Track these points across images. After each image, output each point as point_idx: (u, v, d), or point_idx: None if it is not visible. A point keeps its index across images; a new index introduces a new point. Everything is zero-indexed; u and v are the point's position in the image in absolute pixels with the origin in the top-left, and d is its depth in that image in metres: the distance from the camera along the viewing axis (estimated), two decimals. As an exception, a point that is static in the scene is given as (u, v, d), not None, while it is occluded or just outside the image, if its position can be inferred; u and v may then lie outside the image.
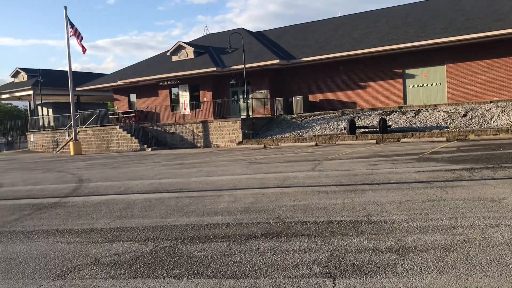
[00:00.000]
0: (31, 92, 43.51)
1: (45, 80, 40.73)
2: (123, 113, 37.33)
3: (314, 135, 25.10)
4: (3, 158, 33.16)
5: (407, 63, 28.40)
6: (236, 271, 4.36)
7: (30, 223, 7.44)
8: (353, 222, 5.99)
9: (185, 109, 34.59)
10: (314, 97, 31.27)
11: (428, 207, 6.56)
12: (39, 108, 43.66)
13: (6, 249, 5.84)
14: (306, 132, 25.98)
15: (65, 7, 30.87)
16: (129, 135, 31.59)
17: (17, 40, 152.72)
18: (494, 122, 21.55)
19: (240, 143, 27.02)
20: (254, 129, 28.24)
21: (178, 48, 35.42)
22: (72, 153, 31.56)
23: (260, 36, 37.00)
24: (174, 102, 35.73)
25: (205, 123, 29.52)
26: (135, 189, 10.70)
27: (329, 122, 26.71)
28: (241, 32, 33.59)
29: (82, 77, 44.01)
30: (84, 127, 34.34)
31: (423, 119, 23.95)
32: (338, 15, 37.87)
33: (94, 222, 7.17)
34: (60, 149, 35.08)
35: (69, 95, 33.34)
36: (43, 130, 39.04)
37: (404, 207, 6.71)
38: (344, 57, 29.39)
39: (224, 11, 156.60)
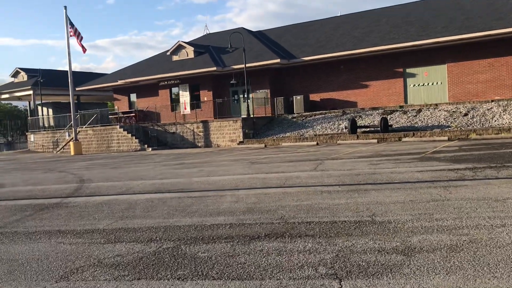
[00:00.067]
0: (31, 92, 43.48)
1: (45, 80, 40.69)
2: (123, 113, 37.29)
3: (315, 135, 25.06)
4: (3, 158, 33.12)
5: (408, 62, 28.36)
6: (241, 272, 4.32)
7: (31, 223, 7.39)
8: (357, 222, 5.95)
9: (185, 108, 34.55)
10: (315, 97, 31.23)
11: (432, 207, 6.52)
12: (39, 108, 43.63)
13: (8, 250, 5.79)
14: (307, 132, 25.94)
15: (65, 7, 30.84)
16: (130, 135, 31.55)
17: (16, 40, 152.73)
18: (495, 121, 21.51)
19: (240, 142, 26.98)
20: (255, 129, 28.20)
21: (178, 48, 35.38)
22: (72, 153, 31.53)
23: (260, 35, 36.96)
24: (175, 102, 35.69)
25: (205, 123, 29.49)
26: (136, 189, 10.66)
27: (330, 122, 26.67)
28: (241, 32, 33.56)
29: (82, 77, 43.98)
30: (84, 127, 34.30)
31: (424, 118, 23.91)
32: (339, 14, 37.84)
33: (96, 222, 7.13)
34: (61, 149, 35.04)
35: (69, 95, 33.32)
36: (43, 130, 39.01)
37: (408, 207, 6.67)
38: (345, 56, 29.36)
39: (224, 10, 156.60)
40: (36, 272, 4.78)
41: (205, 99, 33.52)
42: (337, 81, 30.74)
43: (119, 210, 8.03)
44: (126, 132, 31.81)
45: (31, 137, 39.05)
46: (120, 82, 36.84)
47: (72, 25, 30.90)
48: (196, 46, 35.56)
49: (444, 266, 4.06)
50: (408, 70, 28.53)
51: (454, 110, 23.92)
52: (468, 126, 21.67)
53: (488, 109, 22.81)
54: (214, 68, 31.71)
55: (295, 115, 29.10)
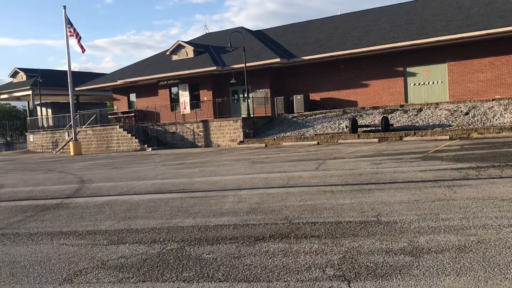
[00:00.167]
0: (30, 92, 43.35)
1: (44, 80, 40.57)
2: (123, 112, 37.20)
3: (315, 134, 25.01)
4: (3, 158, 33.02)
5: (408, 61, 28.30)
6: (247, 274, 4.26)
7: (33, 225, 7.33)
8: (363, 222, 5.89)
9: (185, 108, 34.48)
10: (315, 96, 31.16)
11: (438, 207, 6.47)
12: (38, 108, 43.53)
13: (10, 252, 5.73)
14: (308, 131, 25.88)
15: (64, 7, 30.74)
16: (129, 135, 31.47)
17: (15, 40, 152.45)
18: (496, 120, 21.47)
19: (241, 142, 26.91)
20: (255, 128, 28.14)
21: (178, 47, 35.29)
22: (72, 153, 31.44)
23: (260, 34, 36.89)
24: (174, 102, 35.61)
25: (205, 123, 29.42)
26: (138, 190, 10.60)
27: (330, 121, 26.61)
28: (241, 31, 33.48)
29: (81, 77, 43.88)
30: (84, 127, 34.22)
31: (425, 118, 23.86)
32: (339, 13, 37.78)
33: (98, 223, 7.06)
34: (60, 149, 34.95)
35: (68, 95, 33.22)
36: (43, 131, 38.91)
37: (413, 207, 6.61)
38: (345, 55, 29.29)
39: (223, 10, 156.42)
40: (39, 274, 4.72)
41: (205, 98, 33.44)
42: (337, 80, 30.67)
43: (121, 211, 7.97)
44: (125, 132, 31.73)
45: (30, 138, 38.96)
46: (119, 82, 36.75)
47: (71, 25, 30.81)
48: (196, 46, 35.47)
49: (454, 267, 4.00)
50: (409, 69, 28.47)
51: (455, 109, 23.87)
52: (469, 125, 21.63)
53: (489, 108, 22.77)
54: (214, 68, 31.63)
55: (295, 115, 29.04)
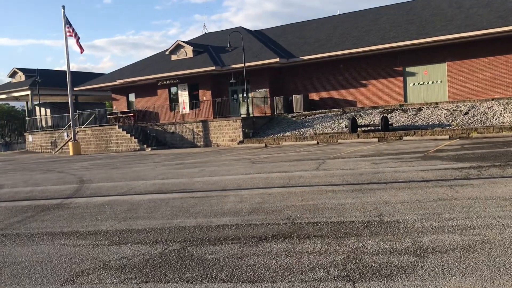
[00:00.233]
0: (28, 92, 43.26)
1: (42, 80, 40.47)
2: (122, 112, 37.14)
3: (315, 134, 24.99)
4: (2, 158, 32.93)
5: (407, 61, 28.29)
6: (251, 274, 4.23)
7: (33, 225, 7.29)
8: (366, 222, 5.86)
9: (184, 108, 34.43)
10: (314, 96, 31.14)
11: (440, 207, 6.44)
12: (37, 108, 43.44)
13: (11, 252, 5.69)
14: (307, 131, 25.86)
15: (63, 6, 30.69)
16: (129, 135, 31.42)
17: (13, 40, 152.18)
18: (496, 119, 21.47)
19: (240, 142, 26.88)
20: (255, 128, 28.11)
21: (177, 47, 35.24)
22: (71, 153, 31.38)
23: (259, 34, 36.85)
24: (173, 102, 35.56)
25: (205, 122, 29.38)
26: (138, 190, 10.56)
27: (330, 121, 26.60)
28: (240, 31, 33.45)
29: (80, 77, 43.79)
30: (83, 127, 34.15)
31: (424, 117, 23.85)
32: (338, 13, 37.77)
33: (99, 224, 7.03)
34: (59, 149, 34.88)
35: (66, 95, 33.14)
36: (41, 131, 38.83)
37: (415, 206, 6.59)
38: (344, 55, 29.27)
39: (221, 10, 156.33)
40: (41, 275, 4.68)
41: (204, 98, 33.40)
42: (337, 80, 30.65)
43: (121, 211, 7.93)
44: (125, 132, 31.68)
45: (29, 138, 38.88)
46: (118, 82, 36.68)
47: (69, 24, 30.74)
48: (195, 46, 35.43)
49: (459, 267, 3.98)
50: (408, 69, 28.46)
51: (454, 108, 23.87)
52: (469, 124, 21.63)
53: (488, 108, 22.77)
54: (213, 68, 31.59)
55: (294, 115, 29.02)
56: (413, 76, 28.35)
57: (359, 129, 24.08)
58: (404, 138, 21.33)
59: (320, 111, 28.81)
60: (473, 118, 22.17)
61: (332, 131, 25.00)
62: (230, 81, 31.09)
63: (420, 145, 17.68)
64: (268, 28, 39.00)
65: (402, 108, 26.03)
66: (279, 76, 32.40)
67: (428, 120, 23.41)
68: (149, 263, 4.80)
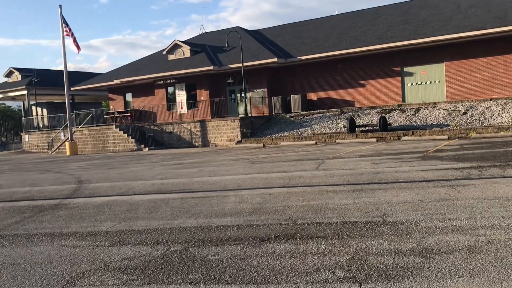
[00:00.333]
0: (25, 92, 43.09)
1: (39, 80, 40.31)
2: (119, 112, 36.99)
3: (313, 134, 24.95)
4: (-2, 158, 32.74)
5: (405, 61, 28.31)
6: (255, 276, 4.17)
7: (32, 226, 7.20)
8: (369, 223, 5.81)
9: (182, 108, 34.34)
10: (312, 96, 31.11)
11: (443, 207, 6.40)
12: (33, 108, 43.24)
13: (9, 254, 5.61)
14: (306, 131, 25.82)
15: (60, 6, 30.54)
16: (126, 134, 31.30)
17: (9, 39, 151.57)
18: (494, 119, 21.49)
19: (238, 142, 26.82)
20: (253, 128, 28.05)
21: (175, 47, 35.14)
22: (68, 153, 31.23)
23: (257, 34, 36.80)
24: (171, 101, 35.45)
25: (203, 122, 29.29)
26: (137, 190, 10.48)
27: (328, 121, 26.57)
28: (238, 31, 33.35)
29: (76, 77, 43.62)
30: (80, 127, 33.99)
31: (423, 117, 23.85)
32: (336, 13, 37.76)
33: (99, 224, 6.95)
34: (56, 149, 34.72)
35: (63, 94, 33.00)
36: (38, 131, 38.64)
37: (418, 206, 6.55)
38: (342, 55, 29.26)
39: (218, 10, 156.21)
40: (41, 277, 4.61)
41: (202, 98, 33.31)
42: (335, 80, 30.63)
43: (121, 212, 7.86)
44: (122, 132, 31.55)
45: (26, 138, 38.68)
46: (115, 81, 36.54)
47: (66, 24, 30.60)
48: (193, 45, 35.34)
49: (467, 269, 3.93)
50: (406, 69, 28.47)
51: (453, 108, 23.88)
52: (467, 124, 21.64)
53: (486, 108, 22.79)
54: (211, 67, 31.51)
55: (292, 114, 28.97)
56: (411, 76, 28.36)
57: (357, 129, 24.05)
58: (403, 138, 21.32)
59: (318, 111, 28.78)
60: (472, 118, 22.18)
61: (330, 131, 24.97)
62: (228, 81, 31.02)
63: (419, 145, 17.67)
64: (266, 28, 38.96)
65: (400, 108, 26.02)
66: (277, 76, 32.36)
67: (426, 120, 23.41)
68: (151, 264, 4.73)
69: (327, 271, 4.15)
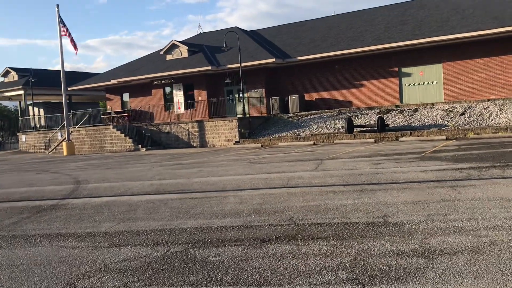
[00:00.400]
0: (21, 92, 42.91)
1: (35, 80, 40.14)
2: (116, 112, 36.89)
3: (311, 134, 24.93)
4: (-5, 159, 32.58)
5: (403, 61, 28.32)
6: (257, 277, 4.13)
7: (30, 226, 7.14)
8: (370, 223, 5.78)
9: (179, 108, 34.27)
10: (310, 96, 31.10)
11: (444, 208, 6.38)
12: (30, 108, 43.06)
13: (7, 255, 5.55)
14: (303, 131, 25.81)
15: (57, 5, 30.39)
16: (123, 135, 31.20)
17: (5, 39, 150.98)
18: (492, 120, 21.52)
19: (237, 142, 26.77)
20: (251, 129, 28.00)
21: (172, 47, 35.07)
22: (65, 153, 31.11)
23: (254, 35, 36.77)
24: (168, 102, 35.37)
25: (200, 123, 29.23)
26: (135, 191, 10.42)
27: (326, 121, 26.56)
28: (235, 31, 33.32)
29: (73, 77, 43.43)
30: (77, 127, 33.87)
31: (421, 118, 23.87)
32: (333, 14, 37.76)
33: (98, 225, 6.90)
34: (53, 149, 34.58)
35: (60, 94, 32.86)
36: (35, 131, 38.48)
37: (419, 207, 6.52)
38: (339, 56, 29.24)
39: (215, 10, 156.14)
40: (40, 278, 4.56)
41: (200, 98, 33.25)
42: (332, 80, 30.62)
43: (119, 212, 7.81)
44: (119, 132, 31.45)
45: (22, 138, 38.52)
46: (112, 81, 36.43)
47: (63, 24, 30.48)
48: (190, 45, 35.28)
49: (470, 270, 3.91)
50: (404, 70, 28.49)
51: (450, 109, 23.91)
52: (465, 125, 21.66)
53: (484, 108, 22.83)
54: (209, 68, 31.46)
55: (290, 115, 28.95)
56: (408, 76, 28.38)
57: (355, 129, 24.06)
58: (401, 138, 21.32)
59: (316, 111, 28.77)
60: (469, 119, 22.21)
61: (328, 132, 24.96)
62: (226, 81, 30.96)
63: (417, 145, 17.67)
64: (264, 29, 38.93)
65: (398, 109, 26.04)
66: (274, 76, 32.33)
67: (424, 121, 23.44)
68: (151, 266, 4.69)
69: (330, 272, 4.11)
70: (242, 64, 28.84)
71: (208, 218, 6.82)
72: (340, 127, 25.06)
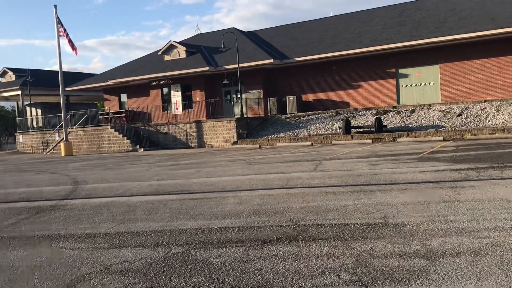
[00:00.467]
0: (19, 92, 42.77)
1: (33, 80, 40.01)
2: (114, 113, 36.80)
3: (309, 135, 24.94)
4: (-9, 159, 32.44)
5: (400, 62, 28.37)
6: (259, 279, 4.12)
7: (29, 227, 7.11)
8: (370, 224, 5.78)
9: (177, 109, 34.22)
10: (307, 97, 31.11)
11: (444, 209, 6.39)
12: (28, 108, 42.91)
13: (7, 256, 5.52)
14: (301, 132, 25.81)
15: (55, 6, 30.33)
16: (121, 135, 31.13)
17: (2, 40, 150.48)
18: (489, 121, 21.58)
19: (234, 143, 26.75)
20: (249, 129, 27.99)
21: (170, 48, 35.03)
22: (63, 154, 31.01)
23: (252, 35, 36.76)
24: (166, 102, 35.32)
25: (198, 123, 29.19)
26: (134, 191, 10.39)
27: (323, 122, 26.57)
28: (233, 32, 33.32)
29: (70, 77, 43.34)
30: (74, 127, 33.77)
31: (418, 119, 23.91)
32: (331, 15, 37.81)
33: (97, 226, 6.87)
34: (50, 150, 34.47)
35: (57, 95, 32.76)
36: (32, 131, 38.35)
37: (419, 208, 6.52)
38: (337, 57, 29.28)
39: (213, 11, 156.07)
40: (40, 280, 4.53)
41: (197, 99, 33.22)
42: (330, 81, 30.65)
43: (119, 213, 7.78)
44: (117, 132, 31.38)
45: (20, 138, 38.38)
46: (110, 82, 36.35)
47: (61, 24, 30.40)
48: (188, 46, 35.24)
49: (473, 272, 3.90)
50: (401, 71, 28.54)
51: (447, 110, 23.97)
52: (462, 126, 21.71)
53: (481, 109, 22.89)
54: (207, 68, 31.43)
55: (288, 116, 28.96)
56: (405, 77, 28.43)
57: (352, 130, 24.08)
58: (398, 139, 21.35)
59: (314, 112, 28.79)
60: (466, 120, 22.26)
61: (326, 132, 24.97)
62: (224, 82, 30.94)
63: (415, 146, 17.69)
64: (261, 29, 38.93)
65: (395, 110, 26.07)
66: (272, 77, 32.33)
67: (421, 122, 23.47)
68: (152, 267, 4.67)
69: (332, 274, 4.10)
70: (240, 65, 28.83)
71: (208, 219, 6.80)
72: (337, 127, 25.08)
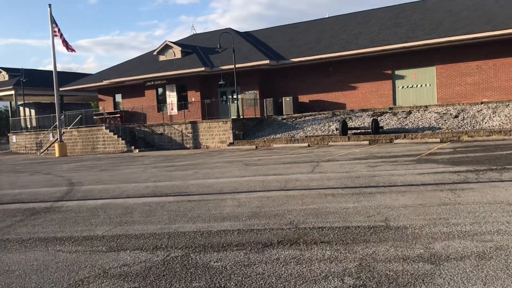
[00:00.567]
0: (12, 92, 42.45)
1: (26, 80, 39.72)
2: (108, 113, 36.60)
3: (306, 136, 24.90)
4: (-15, 159, 32.14)
5: (396, 64, 28.40)
6: (261, 283, 4.04)
7: (24, 230, 6.99)
8: (372, 227, 5.72)
9: (172, 109, 34.09)
10: (304, 98, 31.08)
11: (445, 211, 6.34)
12: (21, 108, 42.60)
13: (2, 259, 5.41)
14: (298, 133, 25.76)
15: (50, 5, 30.10)
16: (116, 136, 30.94)
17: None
18: (486, 123, 21.62)
19: (231, 144, 26.66)
20: (245, 130, 27.91)
21: (165, 48, 34.89)
22: (57, 154, 30.79)
23: (248, 36, 36.70)
24: (161, 103, 35.17)
25: (194, 124, 29.08)
26: (130, 193, 10.28)
27: (320, 123, 26.54)
28: (229, 32, 33.23)
29: (64, 77, 43.05)
30: (69, 128, 33.54)
31: (414, 120, 23.93)
32: (327, 16, 37.82)
33: (94, 228, 6.77)
34: (44, 150, 34.22)
35: (51, 95, 32.54)
36: (26, 131, 38.07)
37: (420, 211, 6.48)
38: (333, 58, 29.26)
39: (207, 11, 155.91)
40: (37, 284, 4.43)
41: (193, 99, 33.10)
42: (326, 82, 30.64)
43: (116, 215, 7.68)
44: (112, 133, 31.19)
45: (13, 138, 38.09)
46: (105, 82, 36.15)
47: (55, 24, 30.18)
48: (184, 46, 35.12)
49: (479, 276, 3.85)
50: (397, 72, 28.57)
51: (444, 112, 24.01)
52: (459, 128, 21.74)
53: (478, 111, 22.94)
54: (202, 69, 31.33)
55: (284, 116, 28.90)
56: (402, 79, 28.46)
57: (349, 131, 24.07)
58: (395, 141, 21.35)
59: (310, 113, 28.76)
60: (463, 122, 22.30)
61: (322, 134, 24.94)
62: (219, 82, 30.84)
63: (412, 148, 17.68)
64: (257, 30, 38.88)
65: (392, 111, 26.09)
66: (268, 78, 32.28)
67: (418, 123, 23.50)
68: (151, 271, 4.58)
69: (336, 278, 4.04)
70: (236, 66, 28.75)
71: (207, 221, 6.72)
72: (334, 129, 25.06)
